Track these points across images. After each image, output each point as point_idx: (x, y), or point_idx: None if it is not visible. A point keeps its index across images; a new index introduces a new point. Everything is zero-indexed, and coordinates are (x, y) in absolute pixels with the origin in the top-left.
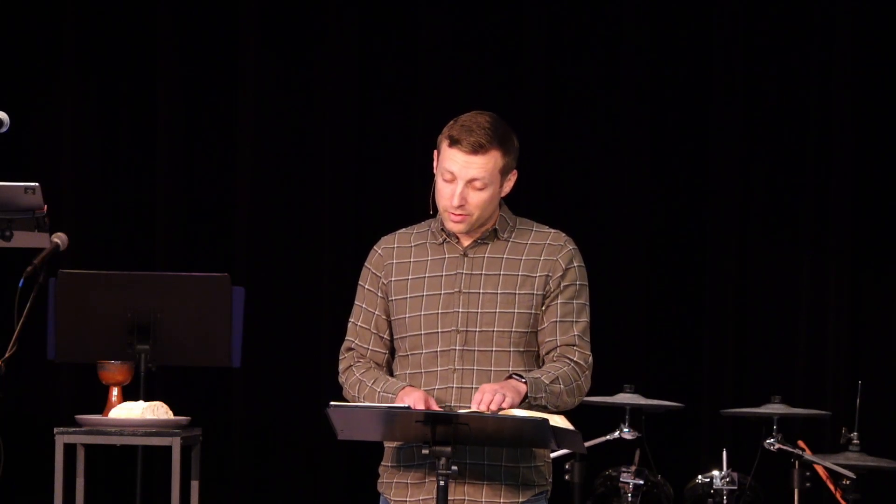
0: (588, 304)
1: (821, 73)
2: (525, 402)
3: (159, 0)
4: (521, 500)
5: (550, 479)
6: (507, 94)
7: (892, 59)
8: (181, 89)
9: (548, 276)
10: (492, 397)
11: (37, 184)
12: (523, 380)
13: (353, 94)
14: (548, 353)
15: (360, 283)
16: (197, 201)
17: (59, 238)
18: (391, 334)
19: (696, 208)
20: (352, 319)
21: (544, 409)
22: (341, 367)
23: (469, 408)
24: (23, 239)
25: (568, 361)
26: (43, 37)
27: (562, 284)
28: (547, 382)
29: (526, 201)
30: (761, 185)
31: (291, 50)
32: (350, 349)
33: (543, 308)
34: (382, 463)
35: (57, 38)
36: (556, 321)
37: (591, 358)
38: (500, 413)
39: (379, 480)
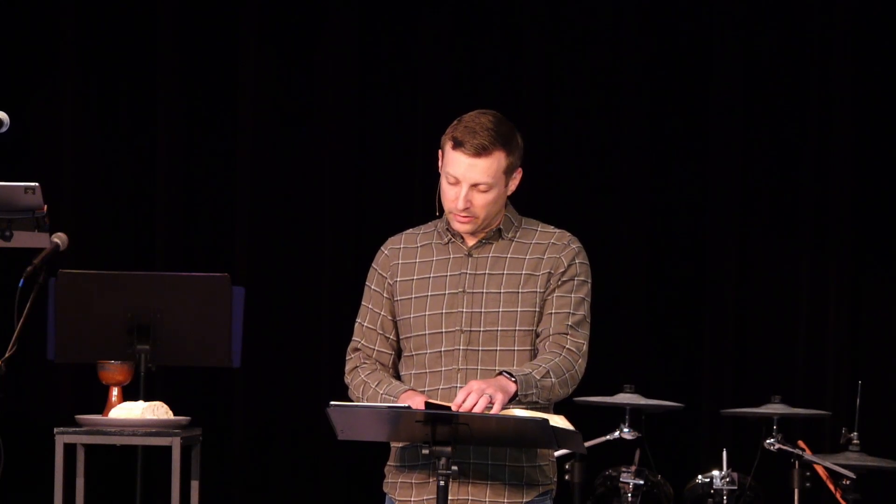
0: (588, 300)
1: (821, 72)
2: (515, 400)
3: (159, 0)
4: (525, 499)
5: (555, 479)
6: (507, 94)
7: (893, 58)
8: (181, 89)
9: (550, 273)
10: (475, 400)
11: (37, 184)
12: (513, 378)
13: (353, 93)
14: (541, 342)
15: (366, 283)
16: (197, 201)
17: (59, 238)
18: (397, 335)
19: (696, 208)
20: (358, 320)
21: (535, 403)
22: (347, 367)
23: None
24: (23, 239)
25: (559, 351)
26: (43, 36)
27: (561, 280)
28: (538, 378)
29: (525, 201)
30: (761, 184)
31: (291, 50)
32: (356, 349)
33: (543, 303)
34: (388, 463)
35: (57, 38)
36: (553, 313)
37: (585, 346)
38: (500, 413)
39: (385, 480)
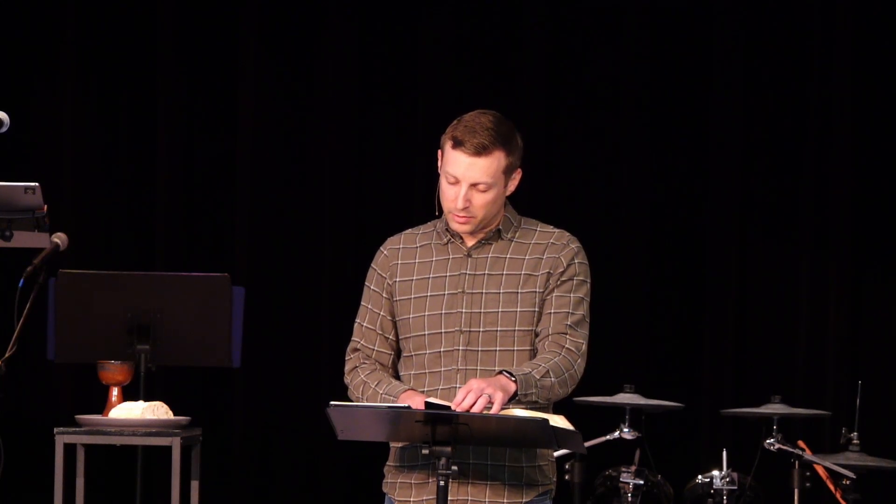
0: (587, 299)
1: (821, 73)
2: (515, 399)
3: (159, 0)
4: (524, 500)
5: (555, 479)
6: (507, 94)
7: (893, 58)
8: (181, 89)
9: (549, 273)
10: (474, 399)
11: (37, 184)
12: (513, 377)
13: (353, 94)
14: (540, 342)
15: (366, 283)
16: (197, 201)
17: (59, 238)
18: (396, 335)
19: (696, 208)
20: (358, 320)
21: (535, 403)
22: (347, 367)
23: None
24: (23, 239)
25: (558, 350)
26: (43, 36)
27: (560, 279)
28: (538, 377)
29: (525, 201)
30: (761, 184)
31: (292, 50)
32: (356, 350)
33: (543, 303)
34: (387, 463)
35: (57, 38)
36: (552, 312)
37: (584, 346)
38: (500, 413)
39: (384, 480)
